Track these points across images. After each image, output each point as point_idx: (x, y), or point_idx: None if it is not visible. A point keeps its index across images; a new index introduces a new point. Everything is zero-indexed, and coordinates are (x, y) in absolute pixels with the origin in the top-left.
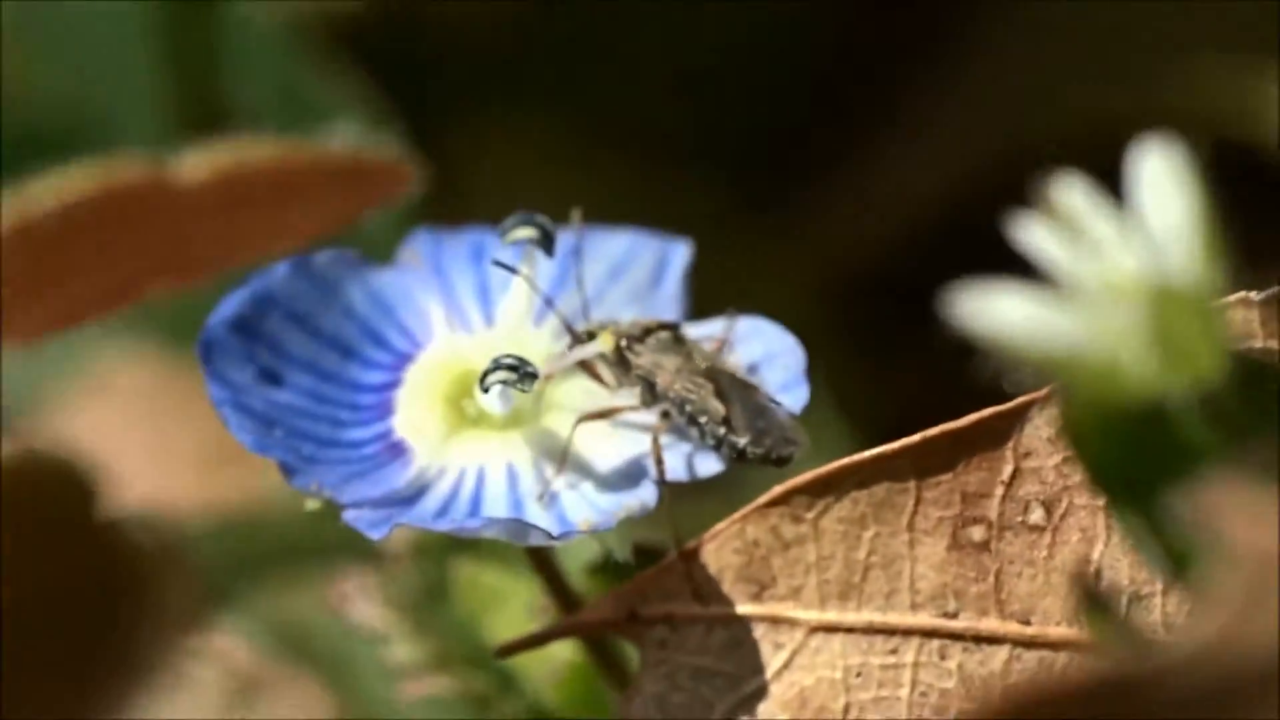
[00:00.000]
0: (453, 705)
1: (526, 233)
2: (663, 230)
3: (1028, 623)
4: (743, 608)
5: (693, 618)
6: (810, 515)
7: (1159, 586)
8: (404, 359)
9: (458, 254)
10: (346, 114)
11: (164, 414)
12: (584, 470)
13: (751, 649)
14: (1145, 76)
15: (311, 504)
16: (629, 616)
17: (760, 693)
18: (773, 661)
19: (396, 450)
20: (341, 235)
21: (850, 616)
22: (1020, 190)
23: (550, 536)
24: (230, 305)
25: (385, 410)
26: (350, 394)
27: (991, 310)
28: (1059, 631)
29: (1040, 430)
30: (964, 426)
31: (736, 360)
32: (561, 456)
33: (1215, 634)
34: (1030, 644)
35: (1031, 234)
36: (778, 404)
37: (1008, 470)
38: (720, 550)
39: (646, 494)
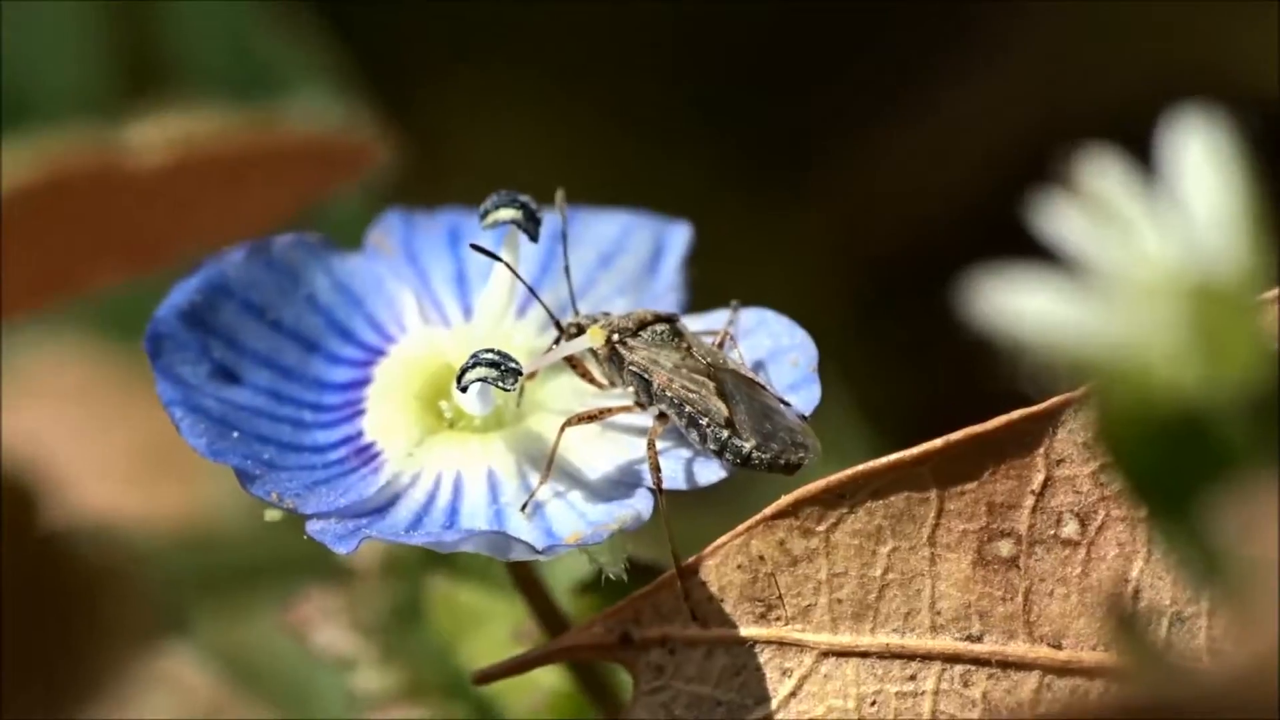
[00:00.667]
0: None
1: (508, 214)
2: (659, 211)
3: (1059, 647)
4: (746, 630)
5: (691, 641)
6: (821, 528)
7: (1203, 607)
8: (374, 354)
9: (432, 238)
10: (309, 80)
11: (106, 416)
12: (572, 478)
13: (756, 675)
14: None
15: (271, 515)
16: (621, 639)
17: None
18: (779, 689)
19: (365, 455)
20: (304, 217)
21: (865, 640)
22: (1049, 171)
23: (535, 551)
24: (181, 294)
25: (353, 411)
26: (314, 393)
27: (1015, 304)
28: (1093, 657)
29: (1075, 435)
30: (991, 430)
31: (741, 356)
32: (547, 463)
33: (1256, 658)
34: (1062, 670)
35: (1059, 220)
36: (786, 404)
37: (1039, 479)
38: (722, 566)
39: (641, 504)
